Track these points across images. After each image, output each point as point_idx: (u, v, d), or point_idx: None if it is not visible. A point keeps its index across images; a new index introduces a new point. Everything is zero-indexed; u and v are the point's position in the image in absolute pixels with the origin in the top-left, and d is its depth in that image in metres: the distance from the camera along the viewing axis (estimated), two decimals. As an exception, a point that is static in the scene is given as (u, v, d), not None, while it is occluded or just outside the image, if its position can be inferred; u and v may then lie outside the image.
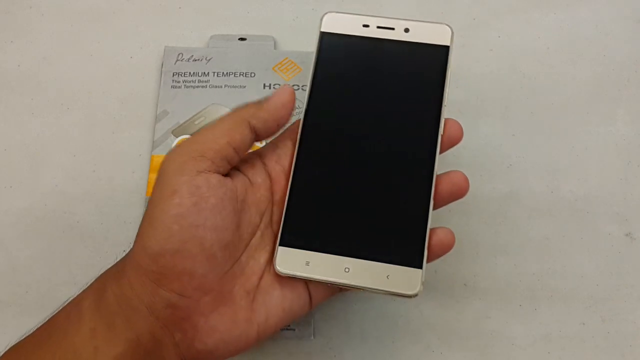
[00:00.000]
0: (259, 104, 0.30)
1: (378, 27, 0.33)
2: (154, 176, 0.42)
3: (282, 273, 0.29)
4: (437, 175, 0.31)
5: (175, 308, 0.27)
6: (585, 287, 0.41)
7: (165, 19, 0.49)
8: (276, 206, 0.32)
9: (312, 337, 0.39)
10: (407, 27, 0.32)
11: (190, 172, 0.28)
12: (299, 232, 0.30)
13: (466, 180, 0.31)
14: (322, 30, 0.33)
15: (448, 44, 0.32)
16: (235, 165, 0.30)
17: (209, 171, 0.28)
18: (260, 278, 0.30)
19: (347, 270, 0.29)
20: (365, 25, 0.33)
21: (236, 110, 0.30)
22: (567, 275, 0.41)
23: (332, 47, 0.33)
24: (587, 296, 0.41)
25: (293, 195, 0.31)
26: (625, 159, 0.45)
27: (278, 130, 0.31)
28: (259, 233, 0.31)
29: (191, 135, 0.30)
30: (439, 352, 0.39)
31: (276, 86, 0.45)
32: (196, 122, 0.44)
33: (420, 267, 0.29)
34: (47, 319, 0.30)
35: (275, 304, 0.30)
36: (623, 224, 0.43)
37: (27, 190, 0.43)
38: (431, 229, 0.30)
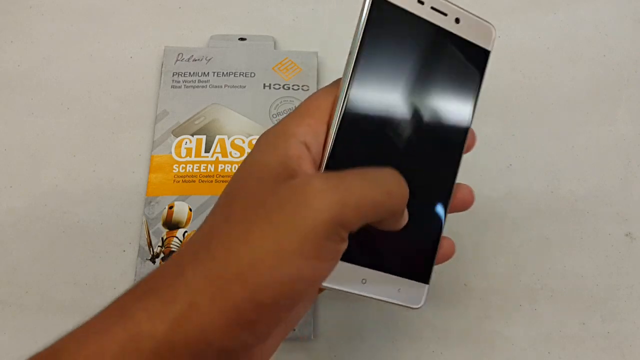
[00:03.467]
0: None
1: (432, 7, 0.30)
2: (154, 176, 0.42)
3: None
4: None
5: (247, 348, 0.24)
6: (585, 287, 0.41)
7: (165, 19, 0.49)
8: None
9: (312, 337, 0.39)
10: (459, 17, 0.30)
11: (338, 240, 0.24)
12: None
13: (472, 195, 0.31)
14: None
15: (490, 48, 0.32)
16: None
17: (346, 239, 0.24)
18: None
19: (364, 281, 0.28)
20: (420, 2, 0.30)
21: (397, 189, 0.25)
22: (567, 275, 0.41)
23: (383, 18, 0.29)
24: (587, 296, 0.41)
25: None
26: (625, 159, 0.45)
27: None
28: None
29: (352, 181, 0.24)
30: (439, 352, 0.39)
31: (276, 86, 0.45)
32: (196, 122, 0.44)
33: (428, 282, 0.29)
34: None
35: (299, 308, 0.28)
36: (623, 224, 0.43)
37: (27, 190, 0.43)
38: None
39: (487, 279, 0.41)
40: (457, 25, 0.31)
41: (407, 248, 0.29)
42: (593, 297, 0.41)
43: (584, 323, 0.40)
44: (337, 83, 0.29)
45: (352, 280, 0.28)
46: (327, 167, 0.27)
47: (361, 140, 0.28)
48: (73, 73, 0.47)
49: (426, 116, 0.30)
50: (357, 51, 0.28)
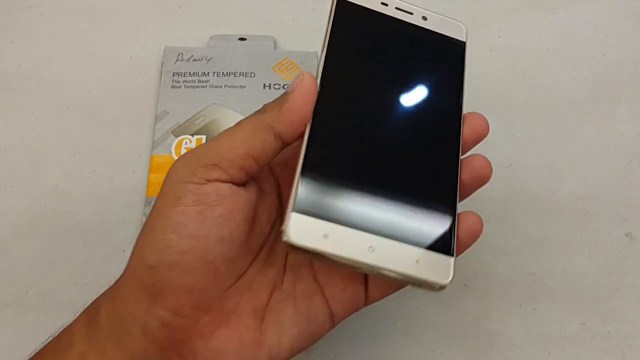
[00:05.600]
0: (279, 105, 0.26)
1: (397, 8, 0.31)
2: (154, 176, 0.42)
3: (295, 243, 0.24)
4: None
5: (172, 328, 0.25)
6: (585, 287, 0.41)
7: (165, 19, 0.49)
8: None
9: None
10: (425, 15, 0.31)
11: (198, 180, 0.25)
12: (317, 199, 0.25)
13: (488, 163, 0.29)
14: None
15: (464, 39, 0.31)
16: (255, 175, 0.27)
17: (221, 180, 0.25)
18: (270, 295, 0.27)
19: (371, 249, 0.25)
20: (384, 4, 0.31)
21: (257, 114, 0.27)
22: (567, 275, 0.41)
23: (348, 17, 0.30)
24: (587, 296, 0.41)
25: (311, 154, 0.26)
26: (625, 159, 0.45)
27: (305, 128, 0.27)
28: (267, 245, 0.28)
29: (206, 141, 0.27)
30: (439, 352, 0.39)
31: (276, 86, 0.45)
32: (196, 122, 0.44)
33: (452, 254, 0.26)
34: (41, 346, 0.28)
35: (289, 323, 0.27)
36: (623, 224, 0.43)
37: (27, 190, 0.43)
38: (458, 214, 0.28)
39: (487, 279, 0.41)
40: (425, 21, 0.31)
41: (420, 215, 0.27)
42: (593, 297, 0.41)
43: (584, 323, 0.40)
44: None
45: (357, 247, 0.25)
46: (304, 167, 0.26)
47: (339, 137, 0.28)
48: (73, 73, 0.47)
49: (413, 92, 0.30)
50: (325, 50, 0.29)
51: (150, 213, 0.26)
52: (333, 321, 0.28)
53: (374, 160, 0.27)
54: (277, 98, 0.27)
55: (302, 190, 0.25)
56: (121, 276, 0.27)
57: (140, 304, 0.25)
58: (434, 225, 0.27)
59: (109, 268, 0.40)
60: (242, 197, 0.26)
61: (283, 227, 0.24)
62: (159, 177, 0.42)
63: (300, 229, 0.24)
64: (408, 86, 0.30)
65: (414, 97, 0.29)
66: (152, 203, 0.41)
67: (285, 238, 0.24)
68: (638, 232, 0.42)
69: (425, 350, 0.39)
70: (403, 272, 0.25)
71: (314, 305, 0.27)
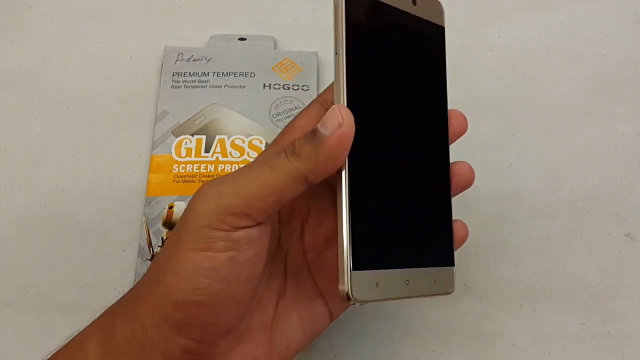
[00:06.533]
0: (315, 152, 0.25)
1: None
2: (154, 176, 0.42)
3: (361, 301, 0.25)
4: None
5: (194, 354, 0.26)
6: (585, 287, 0.41)
7: (165, 19, 0.49)
8: (283, 226, 0.30)
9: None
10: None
11: (228, 228, 0.25)
12: (369, 251, 0.26)
13: (472, 170, 0.30)
14: None
15: (444, 25, 0.31)
16: None
17: (250, 226, 0.25)
18: (276, 305, 0.29)
19: (407, 283, 0.27)
20: None
21: (291, 158, 0.25)
22: (567, 275, 0.41)
23: (359, 8, 0.28)
24: (587, 296, 0.41)
25: (355, 207, 0.26)
26: (625, 159, 0.45)
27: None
28: (269, 259, 0.29)
29: (232, 176, 0.26)
30: (439, 352, 0.39)
31: (276, 86, 0.45)
32: (196, 122, 0.44)
33: (454, 264, 0.30)
34: (48, 357, 0.28)
35: (295, 329, 0.28)
36: (623, 224, 0.43)
37: (27, 190, 0.43)
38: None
39: (487, 279, 0.41)
40: (415, 7, 0.30)
41: (430, 235, 0.29)
42: (593, 297, 0.41)
43: (584, 323, 0.40)
44: (314, 104, 0.29)
45: (397, 285, 0.27)
46: (354, 222, 0.26)
47: (374, 180, 0.27)
48: (73, 73, 0.47)
49: (412, 101, 0.29)
50: (344, 42, 0.26)
51: (171, 246, 0.26)
52: (331, 319, 0.30)
53: (399, 193, 0.28)
54: (312, 138, 0.25)
55: (356, 246, 0.25)
56: (136, 299, 0.27)
57: (162, 332, 0.25)
58: (441, 243, 0.29)
59: (109, 268, 0.40)
60: (267, 235, 0.26)
61: (344, 287, 0.25)
62: (159, 177, 0.42)
63: (360, 285, 0.25)
64: (412, 97, 0.29)
65: (416, 112, 0.29)
66: (152, 203, 0.41)
67: (349, 297, 0.25)
68: (638, 232, 0.42)
69: (425, 350, 0.39)
70: (427, 293, 0.28)
71: (316, 309, 0.29)
